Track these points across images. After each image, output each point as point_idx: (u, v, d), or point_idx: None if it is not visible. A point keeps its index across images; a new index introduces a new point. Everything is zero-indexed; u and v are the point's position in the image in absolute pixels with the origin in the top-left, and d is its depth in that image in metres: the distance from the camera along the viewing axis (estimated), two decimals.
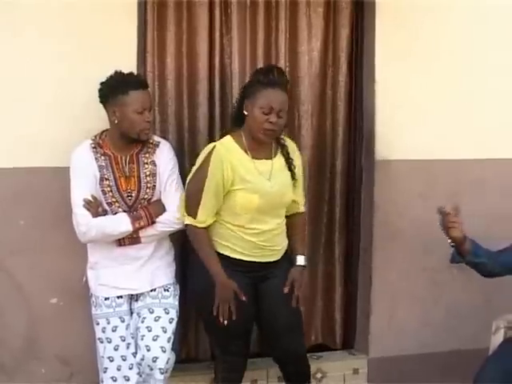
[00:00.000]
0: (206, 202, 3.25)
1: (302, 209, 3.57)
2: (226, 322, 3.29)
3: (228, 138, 3.34)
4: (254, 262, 3.37)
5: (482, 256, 3.47)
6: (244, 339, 3.49)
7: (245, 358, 3.56)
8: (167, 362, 3.36)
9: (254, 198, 3.26)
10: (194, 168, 3.32)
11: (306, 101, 4.11)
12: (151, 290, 3.40)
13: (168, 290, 3.44)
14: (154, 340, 3.32)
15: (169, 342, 3.37)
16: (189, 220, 3.29)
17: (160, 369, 3.32)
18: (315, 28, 4.08)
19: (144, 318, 3.37)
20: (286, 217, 3.50)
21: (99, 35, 3.59)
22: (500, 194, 4.34)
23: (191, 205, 3.27)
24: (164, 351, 3.33)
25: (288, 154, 3.41)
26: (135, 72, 3.46)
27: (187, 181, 3.33)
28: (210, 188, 3.23)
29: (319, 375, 4.13)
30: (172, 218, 3.35)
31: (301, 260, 3.49)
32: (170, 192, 3.37)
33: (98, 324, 3.38)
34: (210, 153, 3.26)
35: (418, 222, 4.16)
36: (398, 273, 4.18)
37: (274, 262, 3.43)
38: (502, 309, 3.83)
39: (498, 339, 3.66)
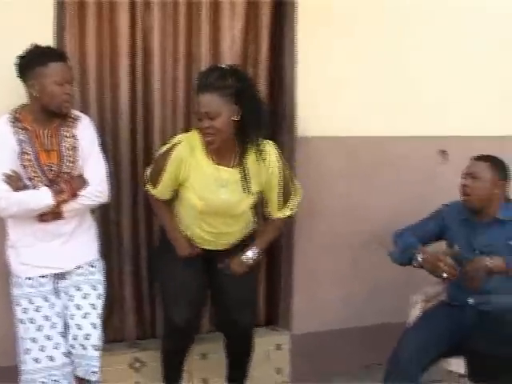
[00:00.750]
0: (164, 182, 3.41)
1: (274, 215, 3.56)
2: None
3: (195, 134, 3.39)
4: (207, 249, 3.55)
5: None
6: (191, 310, 3.53)
7: (192, 328, 3.63)
8: (99, 339, 3.35)
9: (199, 203, 3.38)
10: (162, 149, 3.45)
11: None
12: (77, 268, 3.36)
13: (94, 266, 3.42)
14: (84, 317, 3.31)
15: (99, 318, 3.36)
16: (149, 187, 3.49)
17: (93, 345, 3.31)
18: (237, 7, 4.07)
19: (72, 296, 3.33)
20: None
21: (13, 11, 3.47)
22: (419, 171, 4.47)
23: (153, 176, 3.46)
24: (95, 327, 3.33)
25: (245, 168, 3.36)
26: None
27: (157, 154, 3.50)
28: (169, 173, 3.38)
29: None
30: (94, 191, 3.32)
31: (249, 253, 3.53)
32: (92, 166, 3.34)
33: (18, 305, 3.30)
34: (174, 146, 3.36)
35: (339, 198, 4.25)
36: (320, 249, 4.25)
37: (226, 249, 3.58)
38: (421, 282, 3.93)
39: (416, 312, 3.78)
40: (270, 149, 3.44)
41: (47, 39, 3.44)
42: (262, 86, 4.17)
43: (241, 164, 3.37)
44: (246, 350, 3.78)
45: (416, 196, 4.41)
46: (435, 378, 4.22)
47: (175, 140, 3.40)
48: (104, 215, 3.87)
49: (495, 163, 3.63)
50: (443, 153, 4.52)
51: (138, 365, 3.95)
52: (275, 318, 4.41)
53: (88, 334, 3.30)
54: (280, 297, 4.36)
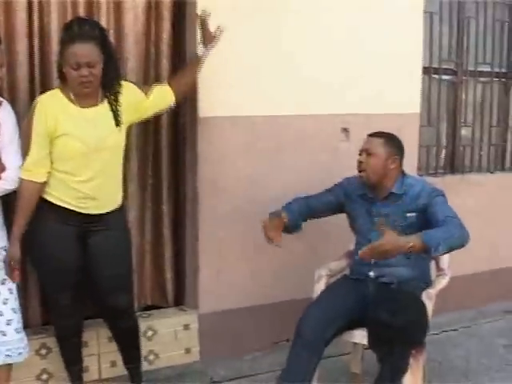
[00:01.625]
0: (34, 153, 3.37)
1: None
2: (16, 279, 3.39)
3: (55, 90, 3.49)
4: (81, 214, 3.50)
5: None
6: (72, 290, 3.61)
7: (78, 309, 3.71)
8: (19, 321, 3.41)
9: (77, 144, 3.39)
10: (24, 122, 3.43)
11: (130, 58, 4.08)
12: None
13: (6, 250, 3.43)
14: (5, 303, 3.37)
15: (16, 301, 3.42)
16: (21, 172, 3.39)
17: (15, 329, 3.40)
18: None
19: None
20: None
21: None
22: (319, 148, 4.55)
23: (22, 155, 3.38)
24: (15, 312, 3.41)
25: (116, 99, 3.53)
26: None
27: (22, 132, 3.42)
28: (36, 138, 3.36)
29: (150, 333, 4.18)
30: (14, 175, 3.34)
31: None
32: (12, 150, 3.35)
33: None
34: (35, 104, 3.41)
35: (242, 177, 4.30)
36: (225, 228, 4.29)
37: (102, 216, 3.56)
38: (327, 257, 4.06)
39: (320, 287, 3.88)
40: (125, 83, 3.64)
41: None
42: (165, 65, 4.18)
43: (107, 100, 3.52)
44: (131, 332, 3.83)
45: (319, 173, 4.48)
46: (342, 351, 4.38)
47: (34, 102, 3.46)
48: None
49: (389, 140, 3.75)
50: (345, 130, 4.62)
51: (44, 351, 3.93)
52: (182, 298, 4.44)
53: (9, 320, 3.38)
54: (185, 276, 4.39)
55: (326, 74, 4.51)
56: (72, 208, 3.48)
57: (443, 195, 3.68)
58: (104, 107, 3.51)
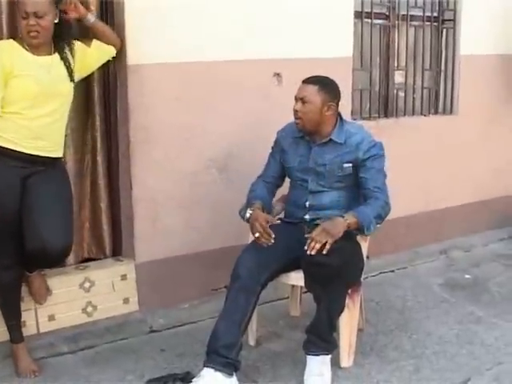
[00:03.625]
0: None
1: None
2: None
3: (9, 39, 3.61)
4: (26, 154, 3.52)
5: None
6: (17, 238, 3.57)
7: (21, 260, 3.67)
8: None
9: (32, 85, 3.46)
10: None
11: None
12: None
13: None
14: None
15: None
16: None
17: None
18: None
19: None
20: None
21: None
22: (252, 94, 4.55)
23: None
24: None
25: (64, 52, 3.63)
26: None
27: None
28: None
29: (87, 284, 4.17)
30: None
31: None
32: None
33: None
34: None
35: (175, 125, 4.28)
36: (158, 176, 4.27)
37: (46, 159, 3.59)
38: None
39: None
40: (79, 44, 3.77)
41: None
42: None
43: (58, 51, 3.62)
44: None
45: (252, 119, 4.51)
46: (281, 296, 4.45)
47: None
48: None
49: (324, 85, 3.71)
50: (277, 75, 4.63)
51: None
52: (119, 248, 4.44)
53: None
54: (121, 226, 4.38)
55: (257, 18, 4.50)
56: (18, 149, 3.49)
57: (381, 155, 3.74)
58: (57, 57, 3.61)
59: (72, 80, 3.67)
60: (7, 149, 3.48)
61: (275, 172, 3.94)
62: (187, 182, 4.37)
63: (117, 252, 4.44)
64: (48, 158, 3.60)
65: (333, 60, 4.77)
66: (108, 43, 3.90)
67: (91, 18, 3.83)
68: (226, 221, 4.46)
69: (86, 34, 3.91)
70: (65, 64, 3.63)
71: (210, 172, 4.44)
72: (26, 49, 3.51)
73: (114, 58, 3.98)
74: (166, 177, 4.30)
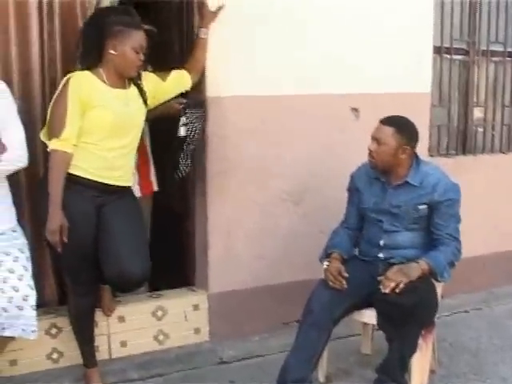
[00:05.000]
0: (70, 120, 3.44)
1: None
2: (59, 249, 3.48)
3: (85, 71, 3.58)
4: (102, 184, 3.59)
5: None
6: (92, 267, 3.66)
7: (96, 287, 3.83)
8: (35, 299, 3.47)
9: (109, 116, 3.52)
10: (55, 95, 3.51)
11: None
12: (1, 234, 3.42)
13: (16, 231, 3.52)
14: (20, 280, 3.43)
15: (32, 279, 3.49)
16: (52, 142, 3.46)
17: (32, 305, 3.45)
18: None
19: (1, 261, 3.41)
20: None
21: None
22: (328, 128, 4.58)
23: (56, 126, 3.46)
24: (32, 288, 3.47)
25: (140, 83, 3.74)
26: None
27: (49, 108, 3.51)
28: (72, 106, 3.44)
29: (160, 313, 4.25)
30: (15, 155, 3.39)
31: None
32: (11, 130, 3.39)
33: None
34: (69, 78, 3.50)
35: (251, 156, 4.35)
36: (234, 207, 4.34)
37: (120, 188, 3.68)
38: None
39: None
40: (143, 72, 3.84)
41: None
42: (175, 46, 4.26)
43: (134, 84, 3.72)
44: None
45: (328, 153, 4.55)
46: (352, 332, 4.43)
47: (66, 77, 3.53)
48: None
49: (401, 128, 3.69)
50: (355, 110, 4.65)
51: (54, 331, 4.01)
52: (191, 278, 4.50)
53: (26, 295, 3.42)
54: (195, 256, 4.45)
55: (336, 53, 4.54)
56: (94, 178, 3.56)
57: (457, 199, 3.74)
58: (133, 90, 3.70)
59: (146, 107, 3.76)
60: (83, 178, 3.55)
61: (355, 216, 3.95)
62: (262, 214, 4.43)
63: (190, 282, 4.51)
64: (121, 186, 3.70)
65: (411, 95, 4.79)
66: (195, 66, 4.03)
67: (206, 33, 4.01)
68: (298, 254, 4.51)
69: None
70: (142, 96, 3.73)
71: (285, 204, 4.49)
72: (104, 81, 3.58)
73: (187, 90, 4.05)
74: (241, 208, 4.37)
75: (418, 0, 4.81)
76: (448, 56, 5.31)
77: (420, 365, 3.72)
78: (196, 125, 4.02)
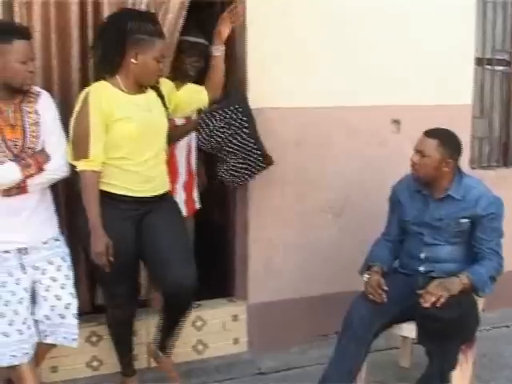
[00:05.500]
0: (96, 138, 3.42)
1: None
2: (107, 269, 3.49)
3: (102, 82, 3.54)
4: (139, 198, 3.58)
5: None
6: (130, 280, 3.73)
7: (134, 298, 3.83)
8: (77, 307, 3.55)
9: (134, 126, 3.48)
10: (75, 112, 3.47)
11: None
12: (44, 243, 3.48)
13: (58, 240, 3.57)
14: (63, 288, 3.50)
15: (73, 287, 3.55)
16: (81, 164, 3.44)
17: (73, 314, 3.53)
18: None
19: (44, 269, 3.48)
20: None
21: None
22: (369, 140, 4.59)
23: (81, 146, 3.42)
24: (74, 297, 3.55)
25: (158, 86, 3.69)
26: None
27: (71, 127, 3.46)
28: (95, 123, 3.41)
29: (199, 323, 4.30)
30: (58, 165, 3.45)
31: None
32: (54, 140, 3.45)
33: None
34: (87, 93, 3.46)
35: (292, 168, 4.37)
36: (274, 218, 4.37)
37: (157, 197, 3.65)
38: None
39: None
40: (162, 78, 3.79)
41: None
42: None
43: (152, 89, 3.67)
44: (186, 310, 3.79)
45: (369, 166, 4.56)
46: (391, 345, 4.42)
47: (83, 92, 3.51)
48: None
49: (445, 141, 3.68)
50: (396, 122, 4.64)
51: (94, 339, 4.08)
52: (231, 288, 4.54)
53: (68, 304, 3.51)
54: (235, 267, 4.48)
55: (377, 65, 4.55)
56: (129, 194, 3.55)
57: (499, 214, 3.72)
58: (151, 94, 3.65)
59: (167, 114, 3.72)
60: (116, 194, 3.54)
61: (396, 228, 3.95)
62: (302, 226, 4.45)
63: (229, 292, 4.54)
64: (157, 195, 3.67)
65: (452, 107, 4.76)
66: (211, 86, 3.90)
67: (219, 50, 3.86)
68: (338, 266, 4.52)
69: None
70: (162, 99, 3.68)
71: (325, 217, 4.51)
72: (122, 89, 3.53)
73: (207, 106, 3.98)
74: (281, 220, 4.39)
75: (459, 11, 4.79)
76: (489, 67, 5.28)
77: (460, 380, 3.70)
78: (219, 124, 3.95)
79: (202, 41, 4.15)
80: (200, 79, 4.03)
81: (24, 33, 3.33)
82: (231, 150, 4.00)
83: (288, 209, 4.40)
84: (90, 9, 3.86)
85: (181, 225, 3.80)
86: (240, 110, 3.96)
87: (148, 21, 3.53)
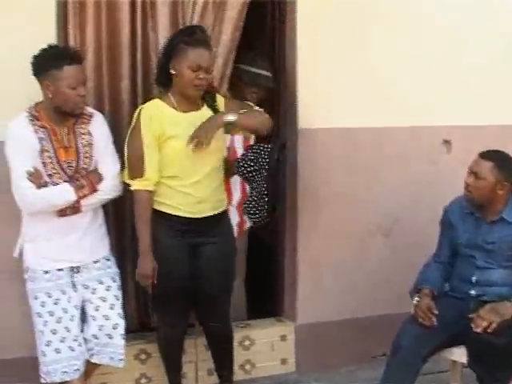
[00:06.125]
0: (149, 158, 3.47)
1: None
2: (149, 290, 3.60)
3: (155, 100, 3.58)
4: (192, 219, 3.58)
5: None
6: (183, 300, 3.69)
7: (186, 318, 3.81)
8: (124, 328, 3.59)
9: (182, 145, 3.46)
10: (129, 132, 3.54)
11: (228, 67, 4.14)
12: (95, 262, 3.55)
13: (109, 260, 3.64)
14: (111, 308, 3.55)
15: (122, 308, 3.60)
16: (135, 183, 3.49)
17: (121, 334, 3.57)
18: None
19: (94, 289, 3.54)
20: None
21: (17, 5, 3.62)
22: (420, 160, 4.56)
23: (136, 166, 3.48)
24: (122, 317, 3.59)
25: (214, 103, 3.64)
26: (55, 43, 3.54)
27: (125, 147, 3.52)
28: (148, 143, 3.46)
29: (247, 343, 4.31)
30: (110, 185, 3.51)
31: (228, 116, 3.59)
32: (107, 160, 3.52)
33: (36, 298, 3.47)
34: (139, 112, 3.52)
35: (342, 188, 4.36)
36: (323, 239, 4.37)
37: (211, 219, 3.64)
38: None
39: None
40: (219, 97, 3.73)
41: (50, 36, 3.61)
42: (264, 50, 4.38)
43: (207, 104, 3.64)
44: (226, 338, 3.89)
45: (419, 186, 4.53)
46: (441, 369, 4.36)
47: (137, 111, 3.56)
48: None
49: (501, 164, 3.63)
50: (446, 142, 4.61)
51: (143, 356, 4.11)
52: (279, 308, 4.53)
53: (116, 324, 3.56)
54: (284, 287, 4.48)
55: (428, 84, 4.53)
56: (182, 214, 3.56)
57: None
58: (205, 111, 3.61)
59: (227, 132, 3.73)
60: (169, 214, 3.57)
61: (447, 251, 3.90)
62: (351, 246, 4.44)
63: (278, 312, 4.54)
64: (212, 216, 3.66)
65: (504, 128, 4.71)
66: (253, 132, 3.94)
67: (232, 117, 3.57)
68: (387, 287, 4.50)
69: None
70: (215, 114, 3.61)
71: (374, 237, 4.50)
72: (174, 106, 3.54)
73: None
74: (330, 240, 4.39)
75: (509, 28, 4.75)
76: None
77: None
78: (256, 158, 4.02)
79: (264, 72, 4.17)
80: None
81: (75, 57, 3.39)
82: (253, 185, 4.08)
83: (337, 229, 4.39)
84: (139, 30, 3.93)
85: (231, 253, 3.81)
86: (268, 150, 4.03)
87: (189, 32, 3.55)
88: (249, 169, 4.02)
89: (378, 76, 4.40)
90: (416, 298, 3.70)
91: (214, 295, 3.71)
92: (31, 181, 3.32)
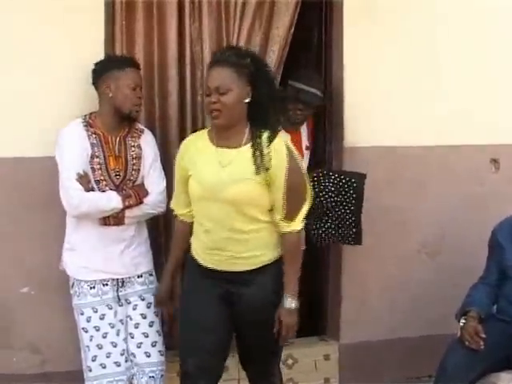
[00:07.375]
0: (177, 190, 3.35)
1: (284, 228, 3.15)
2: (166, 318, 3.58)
3: (198, 132, 3.38)
4: (216, 271, 3.22)
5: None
6: (201, 355, 3.23)
7: (209, 375, 3.31)
8: (163, 344, 3.62)
9: (195, 185, 3.17)
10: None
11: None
12: (138, 276, 3.59)
13: (152, 275, 3.67)
14: (151, 326, 3.59)
15: (160, 325, 3.63)
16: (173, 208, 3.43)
17: (159, 351, 3.60)
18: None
19: (136, 305, 3.58)
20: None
21: (64, 22, 3.70)
22: (467, 179, 4.54)
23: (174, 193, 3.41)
24: (160, 335, 3.62)
25: (259, 145, 3.05)
26: None
27: None
28: (177, 177, 3.33)
29: (290, 361, 4.30)
30: (156, 200, 3.55)
31: (287, 302, 3.16)
32: (154, 176, 3.57)
33: (82, 314, 3.50)
34: (181, 145, 3.37)
35: (387, 207, 4.35)
36: (368, 258, 4.36)
37: (242, 273, 3.19)
38: None
39: None
40: (280, 145, 3.09)
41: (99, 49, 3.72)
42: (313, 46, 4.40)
43: (251, 143, 3.09)
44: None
45: (466, 206, 4.50)
46: None
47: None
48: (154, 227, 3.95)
49: None
50: (494, 161, 4.56)
51: None
52: (323, 327, 4.54)
53: (155, 341, 3.59)
54: (328, 306, 4.49)
55: (474, 103, 4.51)
56: (201, 261, 3.25)
57: None
58: (246, 151, 3.09)
59: (259, 175, 3.06)
60: (195, 259, 3.31)
61: (495, 273, 3.86)
62: (396, 266, 4.43)
63: (321, 331, 4.54)
64: (238, 272, 3.19)
65: None
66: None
67: (291, 303, 3.17)
68: (432, 308, 4.47)
69: None
70: (257, 160, 3.04)
71: (420, 257, 4.47)
72: (212, 140, 3.15)
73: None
74: (375, 260, 4.38)
75: None
76: None
77: None
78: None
79: (316, 91, 4.10)
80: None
81: (135, 63, 3.56)
82: (329, 213, 4.11)
83: (382, 249, 4.38)
84: (188, 47, 3.97)
85: (270, 311, 3.17)
86: (355, 185, 4.09)
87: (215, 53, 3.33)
88: (330, 199, 4.10)
89: (426, 96, 4.38)
90: (462, 321, 3.66)
91: (251, 359, 3.40)
92: (80, 183, 3.37)
